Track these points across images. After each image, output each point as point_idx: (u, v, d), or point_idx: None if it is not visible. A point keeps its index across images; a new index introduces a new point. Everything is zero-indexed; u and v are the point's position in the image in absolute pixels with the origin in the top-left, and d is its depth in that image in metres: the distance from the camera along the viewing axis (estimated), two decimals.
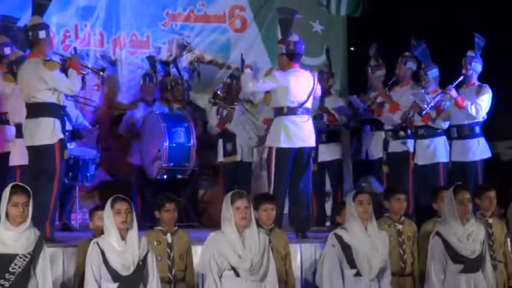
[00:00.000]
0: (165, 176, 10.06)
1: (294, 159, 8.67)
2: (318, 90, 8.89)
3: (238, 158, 10.36)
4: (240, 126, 10.36)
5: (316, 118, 9.67)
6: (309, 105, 8.75)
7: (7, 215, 6.09)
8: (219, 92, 10.53)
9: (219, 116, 10.44)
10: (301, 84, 8.70)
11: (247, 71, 8.91)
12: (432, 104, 9.21)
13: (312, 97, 8.74)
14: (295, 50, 8.73)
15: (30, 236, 6.14)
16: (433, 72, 9.59)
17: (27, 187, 6.20)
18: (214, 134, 10.61)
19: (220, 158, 10.51)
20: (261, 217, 7.03)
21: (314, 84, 8.78)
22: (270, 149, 8.74)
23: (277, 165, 8.65)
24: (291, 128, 8.64)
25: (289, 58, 8.75)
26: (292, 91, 8.64)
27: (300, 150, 8.68)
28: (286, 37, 8.84)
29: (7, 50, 9.14)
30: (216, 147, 10.55)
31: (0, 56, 9.19)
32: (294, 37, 8.81)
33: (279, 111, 8.71)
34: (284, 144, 8.62)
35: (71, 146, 9.47)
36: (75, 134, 9.69)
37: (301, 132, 8.68)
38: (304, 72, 8.81)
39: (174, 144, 10.01)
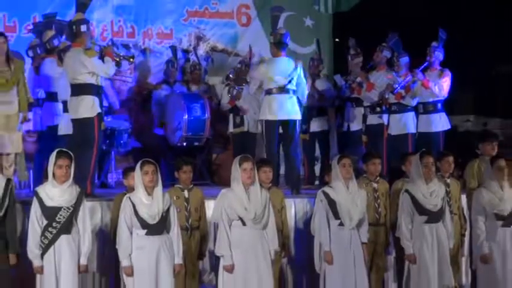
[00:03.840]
0: (184, 143, 10.03)
1: (282, 130, 8.65)
2: (300, 74, 8.78)
3: (245, 129, 10.28)
4: (247, 103, 10.28)
5: (309, 96, 9.57)
6: (291, 86, 8.67)
7: (54, 175, 6.15)
8: (230, 75, 10.46)
9: (229, 95, 10.35)
10: (284, 70, 8.64)
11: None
12: (402, 84, 9.20)
13: (293, 79, 8.64)
14: (280, 40, 8.70)
15: (72, 192, 6.20)
16: (404, 59, 9.54)
17: (69, 152, 6.25)
18: (225, 110, 10.55)
19: (231, 129, 10.42)
20: (261, 177, 6.97)
21: (295, 69, 8.68)
22: (261, 121, 8.75)
23: (266, 134, 8.66)
24: (276, 104, 8.59)
25: (276, 47, 8.71)
26: (275, 76, 8.59)
27: (285, 122, 8.64)
28: (274, 29, 8.83)
29: (56, 42, 9.07)
30: (227, 120, 10.50)
31: (52, 48, 9.07)
32: (281, 30, 8.83)
33: (267, 91, 8.70)
34: (269, 117, 8.61)
35: (108, 119, 9.49)
36: (110, 109, 9.68)
37: (285, 108, 8.61)
38: (287, 60, 8.74)
39: (192, 117, 9.97)
